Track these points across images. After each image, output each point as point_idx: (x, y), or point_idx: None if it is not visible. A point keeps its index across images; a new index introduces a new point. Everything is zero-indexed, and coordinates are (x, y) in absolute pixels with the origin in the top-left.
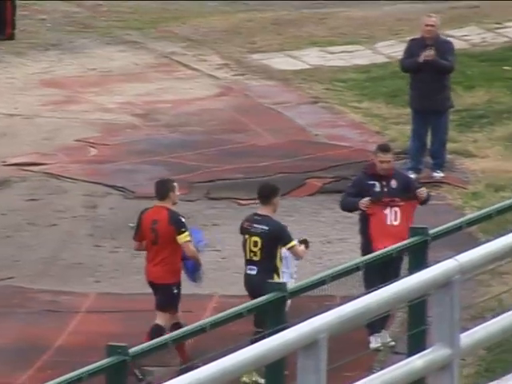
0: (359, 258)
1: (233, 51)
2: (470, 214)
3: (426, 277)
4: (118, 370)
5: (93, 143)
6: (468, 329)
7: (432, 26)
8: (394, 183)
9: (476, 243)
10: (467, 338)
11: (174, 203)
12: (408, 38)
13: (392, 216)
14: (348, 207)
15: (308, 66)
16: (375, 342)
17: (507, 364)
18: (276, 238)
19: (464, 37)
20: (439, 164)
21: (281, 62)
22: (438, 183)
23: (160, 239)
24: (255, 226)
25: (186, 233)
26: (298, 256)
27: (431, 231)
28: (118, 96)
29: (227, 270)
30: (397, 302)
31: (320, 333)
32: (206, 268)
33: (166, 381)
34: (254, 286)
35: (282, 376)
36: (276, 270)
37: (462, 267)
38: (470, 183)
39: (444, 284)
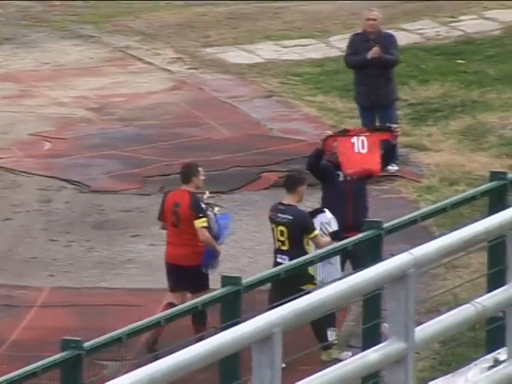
0: (313, 253)
1: (187, 45)
2: (425, 208)
3: (380, 270)
4: (72, 364)
5: (47, 137)
6: (423, 323)
7: (374, 19)
8: None
9: (431, 237)
10: (422, 331)
11: (198, 187)
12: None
13: (359, 144)
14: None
15: (262, 60)
16: (331, 336)
17: (461, 357)
18: (300, 227)
19: (418, 30)
20: (394, 157)
21: (235, 55)
22: (392, 177)
23: (181, 222)
24: (279, 215)
25: (203, 219)
26: (319, 246)
27: (386, 225)
28: (73, 90)
29: None
30: (352, 296)
31: (275, 327)
32: (160, 262)
33: (118, 375)
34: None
35: (237, 371)
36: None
37: (416, 261)
38: (425, 177)
39: (399, 278)
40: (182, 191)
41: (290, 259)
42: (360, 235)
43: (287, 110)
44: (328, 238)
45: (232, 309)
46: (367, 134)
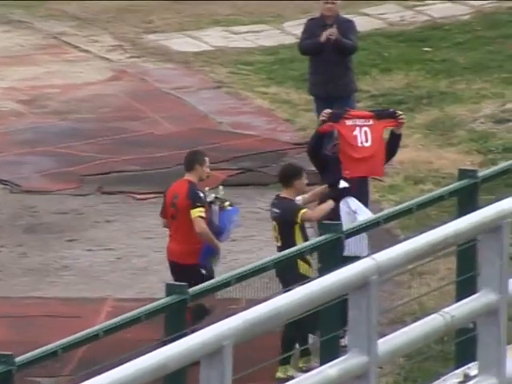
0: (267, 258)
1: (127, 31)
2: (388, 209)
3: (340, 277)
4: (2, 381)
5: None
6: (386, 334)
7: (332, 3)
8: None
9: (395, 241)
10: (385, 344)
11: (201, 179)
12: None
13: (363, 136)
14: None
15: (210, 48)
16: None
17: (428, 373)
18: (286, 219)
19: (381, 15)
20: None
21: (180, 42)
22: None
23: (179, 214)
24: (273, 209)
25: (201, 208)
26: (313, 219)
27: (345, 227)
28: (1, 81)
29: (123, 270)
30: (309, 305)
31: (225, 339)
32: (98, 269)
33: None
34: (277, 274)
35: None
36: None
37: (379, 267)
38: (388, 175)
39: (360, 285)
40: (182, 181)
41: None
42: (318, 239)
43: (237, 102)
44: (325, 205)
45: (177, 320)
46: (370, 122)
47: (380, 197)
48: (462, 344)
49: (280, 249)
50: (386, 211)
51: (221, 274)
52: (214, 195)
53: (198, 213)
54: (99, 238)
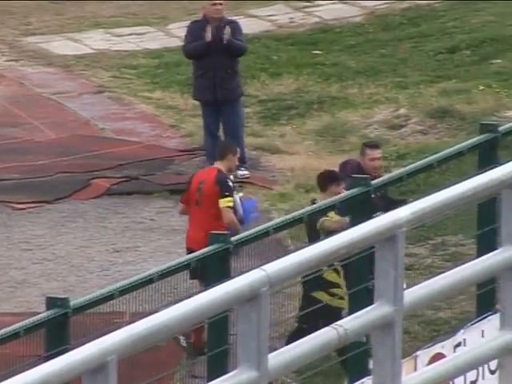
0: (152, 270)
1: (4, 33)
2: (278, 218)
3: (228, 289)
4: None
5: None
6: (277, 348)
7: (220, 4)
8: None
9: (285, 251)
10: (276, 358)
11: (230, 169)
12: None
13: None
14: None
15: (92, 51)
16: None
17: None
18: (311, 223)
19: (269, 17)
20: (241, 160)
21: (61, 45)
22: (241, 183)
23: (203, 200)
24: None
25: (230, 198)
26: (332, 228)
27: (234, 238)
28: None
29: (0, 284)
30: (197, 318)
31: (109, 354)
32: None
33: None
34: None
35: None
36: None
37: (270, 278)
38: (278, 183)
39: (250, 298)
40: (211, 168)
41: None
42: (205, 250)
43: (120, 107)
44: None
45: (59, 334)
46: None
47: (270, 205)
48: (355, 358)
49: None
50: (276, 220)
51: (104, 286)
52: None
53: (227, 203)
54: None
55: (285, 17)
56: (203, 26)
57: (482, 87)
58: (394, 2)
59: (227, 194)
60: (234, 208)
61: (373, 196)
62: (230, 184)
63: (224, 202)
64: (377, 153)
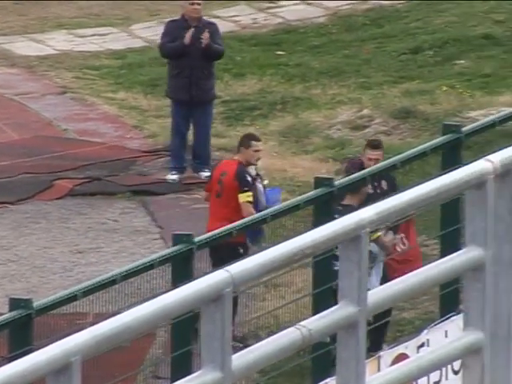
0: (115, 271)
1: None
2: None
3: (193, 290)
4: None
5: None
6: (240, 349)
7: (199, 4)
8: (384, 184)
9: (249, 252)
10: (240, 359)
11: (249, 162)
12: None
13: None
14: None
15: (55, 52)
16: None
17: None
18: None
19: (232, 18)
20: (205, 162)
21: (23, 46)
22: (204, 184)
23: (224, 192)
24: (337, 217)
25: (249, 193)
26: (383, 247)
27: (197, 238)
28: None
29: None
30: (161, 319)
31: (72, 355)
32: None
33: None
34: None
35: None
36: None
37: (234, 279)
38: None
39: (214, 298)
40: (233, 160)
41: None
42: (170, 249)
43: (83, 108)
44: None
45: (22, 335)
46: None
47: None
48: (319, 358)
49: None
50: (239, 222)
51: (68, 287)
52: (255, 171)
53: (246, 198)
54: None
55: (248, 17)
56: (181, 25)
57: (445, 88)
58: (357, 2)
59: (246, 189)
60: (256, 198)
61: (371, 192)
62: (249, 179)
63: (243, 197)
64: (373, 154)
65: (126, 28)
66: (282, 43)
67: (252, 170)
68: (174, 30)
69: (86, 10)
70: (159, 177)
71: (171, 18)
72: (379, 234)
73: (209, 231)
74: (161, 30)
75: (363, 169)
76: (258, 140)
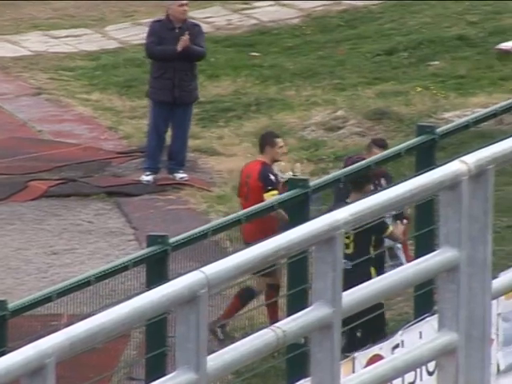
0: (90, 272)
1: None
2: (216, 220)
3: (169, 291)
4: None
5: None
6: (215, 350)
7: (186, 5)
8: (383, 182)
9: (224, 253)
10: (215, 360)
11: (275, 159)
12: (146, 21)
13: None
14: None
15: (29, 53)
16: None
17: None
18: (372, 226)
19: (207, 19)
20: (180, 163)
21: None
22: (178, 185)
23: (250, 194)
24: None
25: (273, 192)
26: (396, 240)
27: (172, 239)
28: None
29: None
30: (136, 320)
31: (47, 357)
32: None
33: None
34: (347, 283)
35: None
36: (372, 262)
37: (209, 280)
38: (216, 185)
39: (189, 299)
40: (256, 162)
41: (354, 264)
42: (142, 251)
43: (58, 109)
44: (400, 226)
45: None
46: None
47: (208, 207)
48: (293, 360)
49: (348, 256)
50: (213, 222)
51: (42, 288)
52: (291, 173)
53: (271, 196)
54: None
55: (222, 19)
56: (167, 26)
57: (419, 89)
58: (331, 3)
59: (270, 188)
60: None
61: (372, 189)
62: (272, 177)
63: (268, 196)
64: (378, 153)
65: (100, 29)
66: (256, 44)
67: (294, 171)
68: (158, 30)
69: (61, 12)
70: (134, 178)
71: (156, 18)
72: (390, 228)
73: (244, 235)
74: (135, 31)
75: None
76: (278, 136)
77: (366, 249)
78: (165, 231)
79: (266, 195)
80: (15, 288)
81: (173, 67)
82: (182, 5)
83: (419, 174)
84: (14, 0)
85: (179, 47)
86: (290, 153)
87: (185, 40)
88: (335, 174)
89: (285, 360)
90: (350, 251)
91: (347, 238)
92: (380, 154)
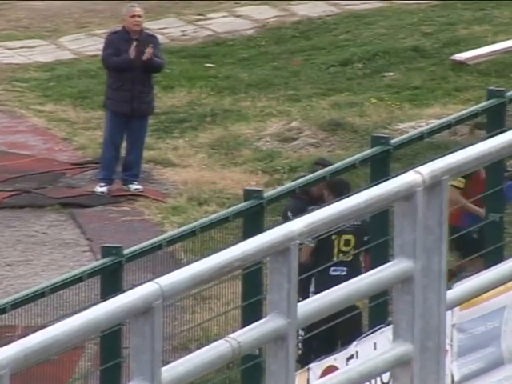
0: (44, 283)
1: None
2: (171, 231)
3: (121, 303)
4: None
5: None
6: (170, 362)
7: (139, 17)
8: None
9: (178, 264)
10: (169, 372)
11: None
12: (100, 32)
13: None
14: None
15: None
16: None
17: None
18: (366, 232)
19: (162, 30)
20: (135, 174)
21: None
22: (133, 196)
23: None
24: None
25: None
26: None
27: (126, 251)
28: None
29: None
30: (91, 332)
31: (1, 368)
32: None
33: None
34: None
35: None
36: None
37: (163, 291)
38: (170, 196)
39: (143, 311)
40: None
41: (350, 271)
42: (97, 263)
43: (12, 120)
44: None
45: None
46: None
47: (163, 219)
48: (248, 371)
49: (347, 264)
50: (168, 234)
51: None
52: None
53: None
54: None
55: (177, 30)
56: (123, 37)
57: (374, 100)
58: (285, 15)
59: None
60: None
61: None
62: None
63: None
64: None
65: (54, 40)
66: (211, 55)
67: None
68: (115, 42)
69: (15, 23)
70: (88, 189)
71: (112, 30)
72: None
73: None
74: (89, 42)
75: None
76: None
77: (359, 256)
78: (119, 242)
79: None
80: None
81: (131, 79)
82: (134, 16)
83: (374, 185)
84: None
85: (131, 54)
86: (245, 164)
87: (149, 52)
88: (290, 185)
89: (239, 371)
90: (349, 259)
91: (347, 245)
92: (335, 165)
